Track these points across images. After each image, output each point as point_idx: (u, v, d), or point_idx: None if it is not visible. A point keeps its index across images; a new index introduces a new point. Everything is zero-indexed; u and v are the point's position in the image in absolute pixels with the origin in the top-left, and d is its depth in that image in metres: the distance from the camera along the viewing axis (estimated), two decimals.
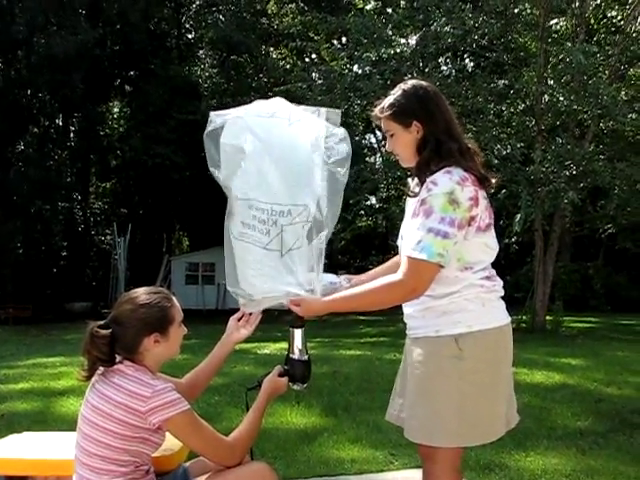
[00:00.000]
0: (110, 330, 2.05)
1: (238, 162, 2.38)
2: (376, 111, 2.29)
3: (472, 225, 2.10)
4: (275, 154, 2.35)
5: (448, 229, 2.03)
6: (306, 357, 2.34)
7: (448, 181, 2.07)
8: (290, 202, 2.33)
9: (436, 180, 2.09)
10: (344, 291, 2.28)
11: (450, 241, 2.04)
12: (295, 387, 2.32)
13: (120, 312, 2.08)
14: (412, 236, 2.09)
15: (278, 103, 2.48)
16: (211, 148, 2.38)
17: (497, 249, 2.23)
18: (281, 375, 2.29)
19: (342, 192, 2.37)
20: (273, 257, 2.33)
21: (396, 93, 2.26)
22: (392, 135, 2.27)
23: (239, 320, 2.45)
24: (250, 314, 2.44)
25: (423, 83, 2.29)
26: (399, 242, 2.33)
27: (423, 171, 2.19)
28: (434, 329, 2.17)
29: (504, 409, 2.23)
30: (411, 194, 2.28)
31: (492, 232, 2.20)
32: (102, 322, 2.09)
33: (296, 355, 2.33)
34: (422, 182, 2.17)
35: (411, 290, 2.08)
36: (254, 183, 2.36)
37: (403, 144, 2.26)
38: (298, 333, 2.34)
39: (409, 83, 2.28)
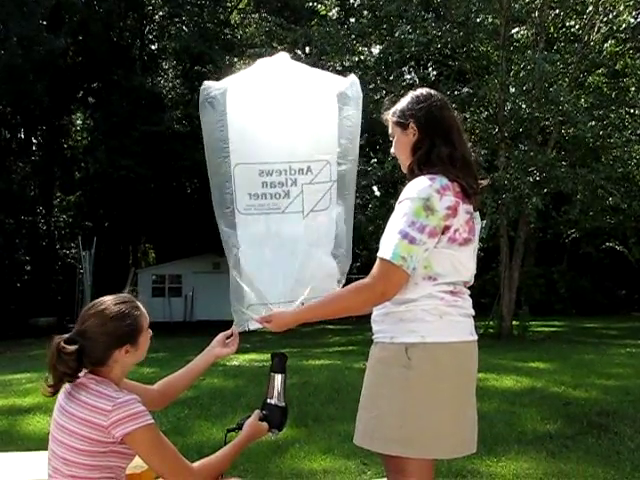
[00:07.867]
0: (77, 346, 1.93)
1: (244, 125, 2.31)
2: (385, 115, 2.29)
3: (445, 234, 2.04)
4: (286, 108, 2.29)
5: (416, 234, 1.99)
6: (283, 403, 2.31)
7: (428, 187, 2.03)
8: (309, 158, 2.27)
9: (416, 183, 2.06)
10: (313, 301, 2.25)
11: (417, 247, 2.00)
12: (270, 434, 2.27)
13: (88, 326, 1.97)
14: (383, 237, 2.06)
15: (283, 60, 2.44)
16: (208, 116, 2.30)
17: (473, 270, 2.18)
18: (261, 420, 2.24)
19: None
20: (293, 222, 2.25)
21: (405, 99, 2.25)
22: (394, 138, 2.27)
23: (227, 338, 2.42)
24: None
25: (432, 91, 2.26)
26: None
27: (412, 173, 2.16)
28: (389, 335, 2.12)
29: (455, 429, 2.09)
30: None
31: (470, 250, 2.13)
32: (68, 336, 1.97)
33: (274, 400, 2.30)
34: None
35: (380, 294, 2.04)
36: (264, 143, 2.27)
37: (401, 147, 2.24)
38: (279, 378, 2.33)
39: (418, 90, 2.27)
